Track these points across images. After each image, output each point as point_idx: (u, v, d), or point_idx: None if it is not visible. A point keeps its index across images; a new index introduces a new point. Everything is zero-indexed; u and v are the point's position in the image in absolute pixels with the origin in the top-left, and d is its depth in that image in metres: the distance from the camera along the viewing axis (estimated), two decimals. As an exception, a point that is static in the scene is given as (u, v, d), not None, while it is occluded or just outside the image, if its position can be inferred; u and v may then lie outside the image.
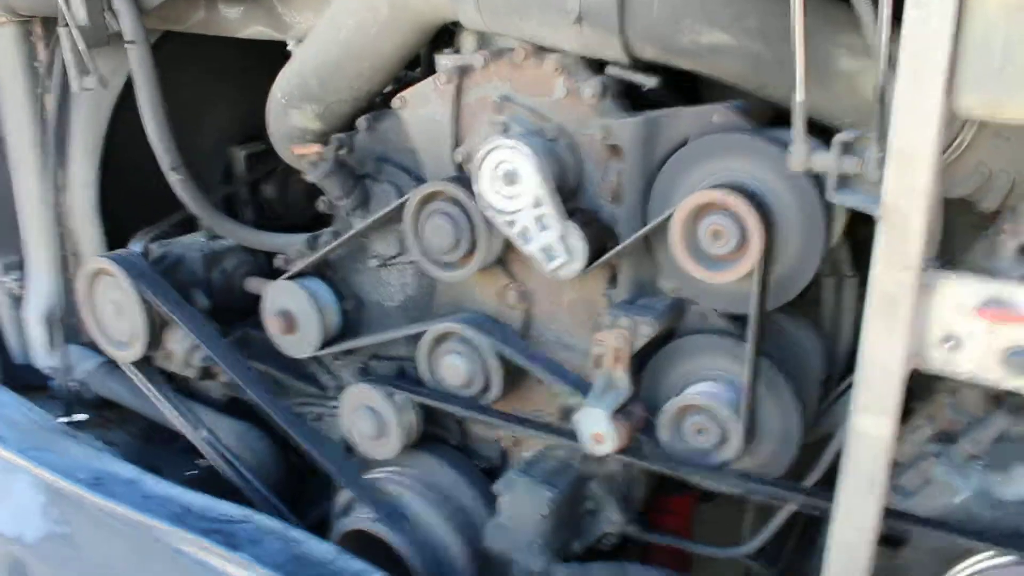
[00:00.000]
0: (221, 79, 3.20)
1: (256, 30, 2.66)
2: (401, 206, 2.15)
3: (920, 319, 1.50)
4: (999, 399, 1.84)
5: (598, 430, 1.86)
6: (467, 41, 2.20)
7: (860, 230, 2.10)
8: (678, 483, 2.11)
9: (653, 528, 2.26)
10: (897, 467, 1.90)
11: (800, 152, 1.55)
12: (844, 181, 1.54)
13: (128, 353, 2.69)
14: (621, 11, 1.82)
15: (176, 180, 2.63)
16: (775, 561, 2.24)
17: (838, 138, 1.52)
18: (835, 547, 1.66)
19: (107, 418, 3.24)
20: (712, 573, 2.68)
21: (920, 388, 1.99)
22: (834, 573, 1.66)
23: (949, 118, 1.38)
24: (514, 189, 1.92)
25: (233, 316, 2.79)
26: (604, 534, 2.23)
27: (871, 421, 1.55)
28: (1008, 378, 1.48)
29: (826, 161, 1.54)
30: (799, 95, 1.51)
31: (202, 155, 3.15)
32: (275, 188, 3.22)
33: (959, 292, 1.48)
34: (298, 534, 2.17)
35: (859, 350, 1.52)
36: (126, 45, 2.51)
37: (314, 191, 2.41)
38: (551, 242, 1.91)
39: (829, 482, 1.95)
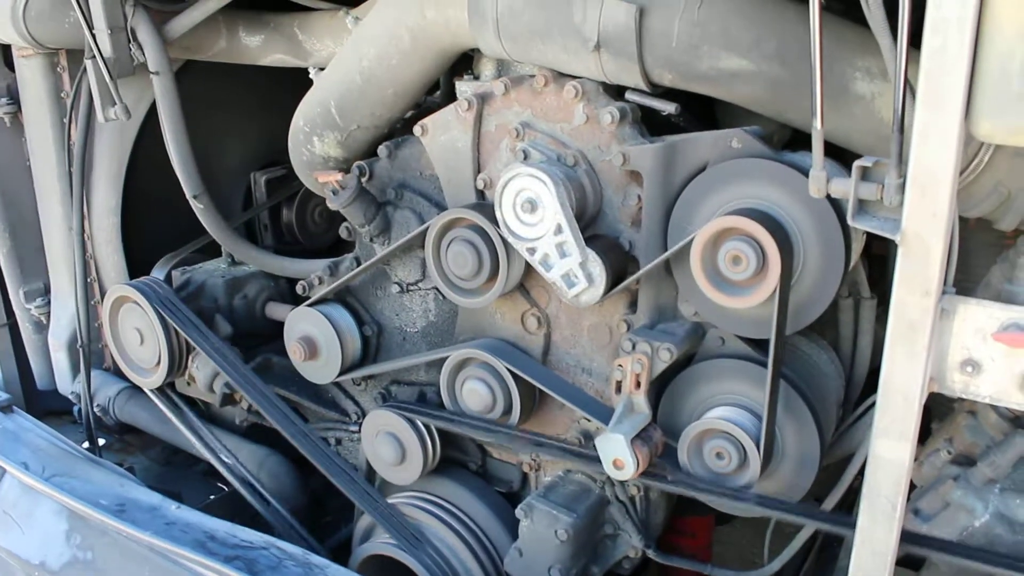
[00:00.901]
0: (241, 106, 3.24)
1: (276, 58, 2.71)
2: (423, 233, 2.17)
3: (940, 344, 1.50)
4: (1018, 421, 1.84)
5: (618, 455, 1.87)
6: (486, 68, 2.23)
7: (875, 248, 2.12)
8: (696, 505, 2.12)
9: (672, 550, 2.26)
10: (916, 490, 1.91)
11: (819, 178, 1.56)
12: (863, 206, 1.55)
13: (151, 379, 2.72)
14: (639, 38, 1.84)
15: (198, 207, 2.66)
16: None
17: (857, 164, 1.53)
18: (855, 572, 1.65)
19: (128, 443, 3.28)
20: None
21: (938, 409, 2.00)
22: (856, 597, 1.66)
23: (967, 142, 1.39)
24: (535, 216, 1.94)
25: (255, 341, 2.82)
26: (624, 558, 2.23)
27: (891, 445, 1.55)
28: (1029, 402, 1.49)
29: (845, 187, 1.54)
30: (817, 123, 1.53)
31: (223, 181, 3.20)
32: (294, 213, 3.24)
33: (978, 317, 1.49)
34: (318, 560, 2.19)
35: (880, 375, 1.52)
36: (151, 75, 2.56)
37: (333, 216, 2.43)
38: (572, 269, 1.93)
39: (847, 503, 1.97)
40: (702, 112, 2.21)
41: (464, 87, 2.20)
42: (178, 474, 3.17)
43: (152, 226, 3.09)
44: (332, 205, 2.28)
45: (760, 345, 1.92)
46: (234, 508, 2.74)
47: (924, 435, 2.00)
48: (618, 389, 1.95)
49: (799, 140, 1.99)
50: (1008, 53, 1.32)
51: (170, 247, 2.99)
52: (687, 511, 2.50)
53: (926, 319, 1.47)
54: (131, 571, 2.35)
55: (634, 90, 1.96)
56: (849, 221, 1.55)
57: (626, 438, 1.85)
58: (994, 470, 1.80)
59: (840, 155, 1.77)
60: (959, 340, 1.51)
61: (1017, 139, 1.39)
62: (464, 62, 2.26)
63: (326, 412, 2.65)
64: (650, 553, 2.18)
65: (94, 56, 2.49)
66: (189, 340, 2.58)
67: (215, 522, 2.36)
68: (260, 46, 2.73)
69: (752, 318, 1.85)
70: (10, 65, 3.02)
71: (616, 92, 2.01)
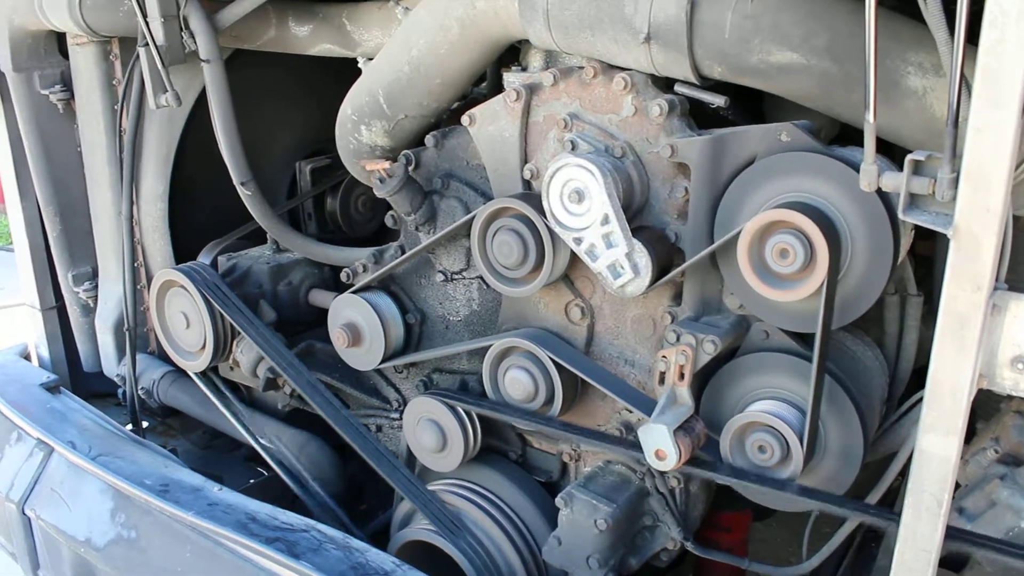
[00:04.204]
0: (288, 96, 3.28)
1: (325, 48, 2.74)
2: (468, 222, 2.19)
3: (990, 340, 1.50)
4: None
5: (661, 446, 1.87)
6: (534, 59, 2.24)
7: (919, 247, 2.11)
8: (734, 500, 2.12)
9: (708, 544, 2.26)
10: (960, 489, 1.90)
11: (871, 171, 1.55)
12: (914, 200, 1.55)
13: (196, 363, 2.76)
14: (690, 31, 1.85)
15: (246, 194, 2.69)
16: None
17: (910, 157, 1.53)
18: (898, 568, 1.65)
19: (170, 426, 3.33)
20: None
21: (985, 408, 1.99)
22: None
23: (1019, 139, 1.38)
24: (582, 207, 1.94)
25: (299, 328, 2.85)
26: (661, 550, 2.23)
27: (938, 441, 1.54)
28: (1079, 400, 1.48)
29: (896, 181, 1.54)
30: (870, 116, 1.52)
31: (269, 170, 3.24)
32: (338, 202, 3.27)
33: (1031, 313, 1.48)
34: (358, 544, 2.21)
35: (929, 369, 1.52)
36: (202, 63, 2.59)
37: (377, 205, 2.45)
38: (618, 259, 1.94)
39: (888, 501, 1.96)
40: (750, 106, 2.20)
41: (512, 78, 2.21)
42: (219, 458, 3.21)
43: (199, 213, 3.13)
44: (379, 193, 2.30)
45: (805, 340, 1.92)
46: (274, 492, 2.77)
47: (969, 435, 2.00)
48: (661, 380, 1.95)
49: (846, 136, 1.99)
50: (1066, 46, 1.31)
51: (216, 234, 3.03)
52: (724, 506, 2.50)
53: (976, 314, 1.46)
54: (173, 550, 2.39)
55: (683, 82, 1.96)
56: (900, 215, 1.55)
57: (669, 429, 1.86)
58: (1040, 469, 1.79)
59: (889, 151, 1.77)
60: (1010, 336, 1.50)
61: (1074, 134, 1.38)
62: (510, 54, 2.28)
63: (367, 399, 2.67)
64: (688, 546, 2.18)
65: (147, 44, 2.53)
66: (234, 324, 2.61)
67: (257, 504, 2.39)
68: (309, 36, 2.75)
69: (798, 312, 1.84)
70: (64, 53, 3.07)
71: (664, 84, 2.02)
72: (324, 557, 2.18)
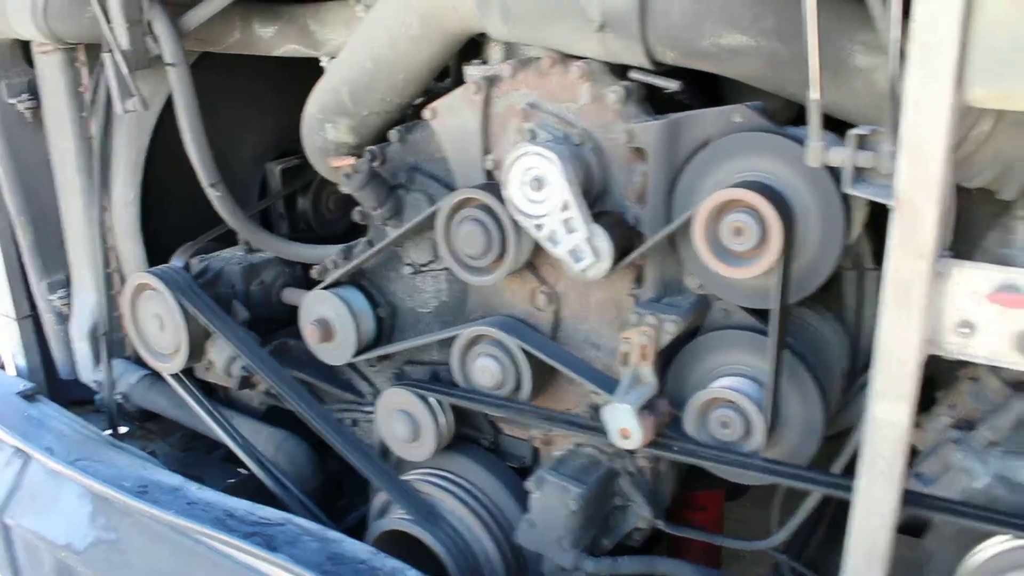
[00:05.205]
0: (256, 98, 3.30)
1: (290, 48, 2.77)
2: (433, 214, 2.22)
3: (935, 306, 1.54)
4: (1020, 386, 1.87)
5: (625, 425, 1.91)
6: (495, 52, 2.28)
7: (881, 223, 2.15)
8: (707, 479, 2.16)
9: (682, 523, 2.30)
10: (918, 455, 1.94)
11: (816, 147, 1.60)
12: (860, 174, 1.59)
13: (171, 364, 2.78)
14: (642, 17, 1.88)
15: (215, 196, 2.72)
16: (802, 554, 2.27)
17: (852, 132, 1.57)
18: (855, 533, 1.70)
19: (149, 430, 3.34)
20: (742, 568, 2.72)
21: (944, 378, 2.04)
22: (854, 558, 1.70)
23: (961, 110, 1.43)
24: (542, 194, 1.98)
25: (273, 326, 2.88)
26: (633, 529, 2.27)
27: (888, 407, 1.59)
28: (1023, 361, 1.52)
29: (842, 155, 1.59)
30: (813, 93, 1.57)
31: (239, 171, 3.27)
32: (309, 201, 3.31)
33: (972, 279, 1.53)
34: (335, 535, 2.25)
35: (875, 337, 1.57)
36: (167, 67, 2.61)
37: (347, 203, 2.48)
38: (578, 244, 1.97)
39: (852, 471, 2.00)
40: (709, 90, 2.24)
41: (472, 71, 2.25)
42: (198, 460, 3.23)
43: (172, 216, 3.15)
44: (345, 189, 2.34)
45: (764, 316, 1.96)
46: (253, 491, 2.78)
47: (931, 403, 2.04)
48: (625, 361, 1.99)
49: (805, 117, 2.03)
50: (997, 19, 1.35)
51: (189, 237, 3.06)
52: (697, 485, 2.55)
53: (920, 282, 1.51)
54: (153, 550, 2.41)
55: (638, 69, 2.00)
56: (845, 189, 1.60)
57: (632, 408, 1.90)
58: (994, 433, 1.84)
59: (841, 129, 1.81)
60: (954, 302, 1.54)
61: (1008, 103, 1.43)
62: (474, 48, 2.31)
63: (342, 394, 2.70)
64: (659, 524, 2.22)
65: (111, 50, 2.55)
66: (207, 325, 2.64)
67: (235, 501, 2.42)
68: (274, 37, 2.78)
69: (755, 289, 1.88)
70: (30, 61, 3.09)
71: (622, 72, 2.05)
72: (301, 548, 2.21)
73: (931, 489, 1.86)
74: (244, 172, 3.33)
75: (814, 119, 1.59)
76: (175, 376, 2.82)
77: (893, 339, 1.56)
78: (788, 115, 2.20)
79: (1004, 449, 1.85)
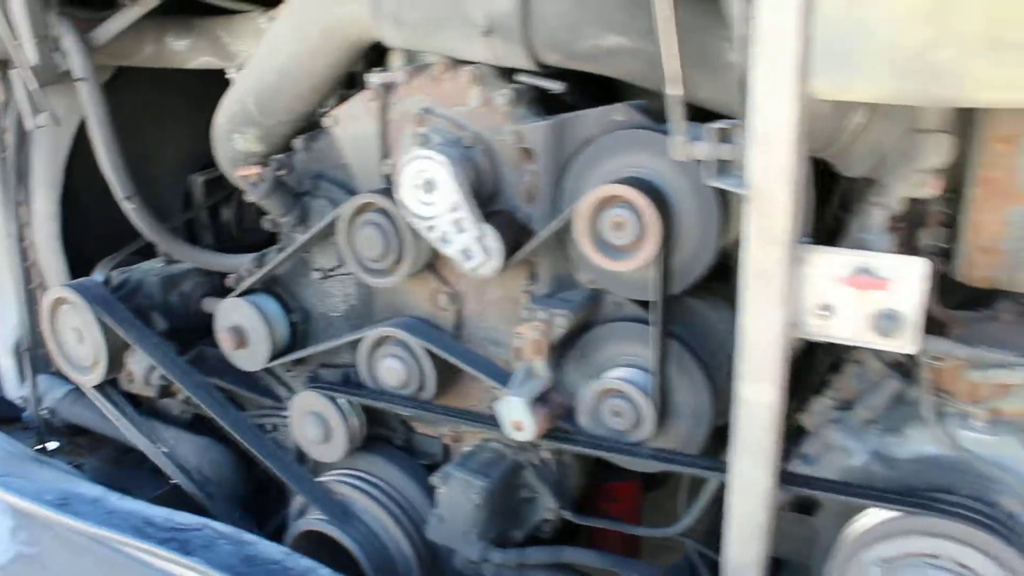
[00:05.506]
0: (177, 111, 3.32)
1: (204, 60, 2.80)
2: (335, 219, 2.26)
3: (795, 291, 1.60)
4: (899, 366, 1.94)
5: (518, 417, 1.97)
6: (396, 59, 2.32)
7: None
8: (621, 470, 2.21)
9: (598, 515, 2.35)
10: (806, 436, 2.01)
11: (679, 142, 1.66)
12: (724, 166, 1.65)
13: (91, 377, 2.80)
14: (524, 22, 1.94)
15: (130, 208, 2.74)
16: (711, 539, 2.33)
17: (712, 126, 1.63)
18: (733, 513, 1.76)
19: (79, 444, 3.35)
20: (667, 557, 2.75)
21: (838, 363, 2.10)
22: (734, 538, 1.76)
23: (806, 101, 1.49)
24: (433, 196, 2.03)
25: (193, 336, 2.91)
26: (543, 521, 2.32)
27: (756, 389, 1.65)
28: (879, 340, 1.59)
29: (704, 149, 1.65)
30: (672, 89, 1.63)
31: (163, 184, 3.29)
32: (233, 212, 3.34)
33: (830, 264, 1.59)
34: (250, 538, 2.27)
35: (738, 322, 1.63)
36: (76, 82, 2.63)
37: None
38: (469, 244, 2.03)
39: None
40: (605, 90, 2.30)
41: (372, 78, 2.30)
42: (128, 473, 3.23)
43: (95, 230, 3.16)
44: (250, 198, 2.38)
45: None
46: (180, 501, 2.81)
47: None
48: (519, 355, 2.04)
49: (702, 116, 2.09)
50: (834, 14, 1.42)
51: (114, 250, 3.08)
52: (612, 476, 2.60)
53: (776, 268, 1.57)
54: (74, 562, 2.43)
55: (524, 71, 2.06)
56: (707, 181, 1.65)
57: (524, 400, 1.95)
58: (870, 412, 1.91)
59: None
60: (813, 286, 1.61)
61: (848, 94, 1.49)
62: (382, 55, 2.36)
63: (261, 399, 2.73)
64: (566, 515, 2.27)
65: (18, 66, 2.57)
66: (125, 336, 2.66)
67: (154, 509, 2.44)
68: (188, 50, 2.81)
69: (640, 281, 1.94)
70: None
71: (511, 75, 2.10)
72: (216, 552, 2.23)
73: (814, 468, 1.92)
74: (167, 185, 3.35)
75: (675, 115, 1.65)
76: (97, 388, 2.84)
77: (755, 323, 1.62)
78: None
79: (883, 427, 1.91)
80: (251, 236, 3.38)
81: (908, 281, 1.56)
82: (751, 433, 1.69)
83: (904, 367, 1.94)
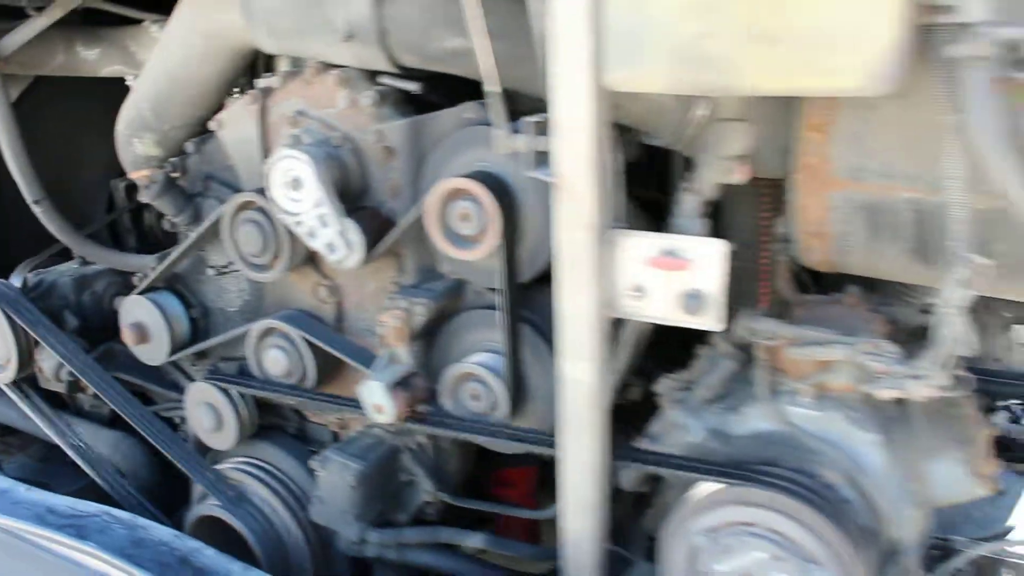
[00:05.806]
0: (99, 118, 3.41)
1: (115, 69, 2.90)
2: (219, 218, 2.37)
3: (607, 273, 1.71)
4: (745, 347, 2.04)
5: (378, 401, 2.08)
6: (281, 64, 2.43)
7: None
8: (515, 456, 2.30)
9: (496, 500, 2.45)
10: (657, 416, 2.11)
11: (500, 136, 1.77)
12: (542, 158, 1.75)
13: (4, 375, 2.90)
14: (379, 27, 2.05)
15: (40, 212, 2.85)
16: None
17: (528, 120, 1.74)
18: (567, 488, 1.86)
19: (9, 443, 3.45)
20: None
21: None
22: (568, 512, 1.87)
23: (602, 93, 1.60)
24: (300, 193, 2.14)
25: (107, 334, 3.00)
26: (425, 504, 2.42)
27: (575, 367, 1.76)
28: (687, 318, 1.70)
29: (523, 141, 1.75)
30: (491, 85, 1.74)
31: (87, 188, 3.39)
32: (154, 215, 3.43)
33: (639, 247, 1.70)
34: (144, 523, 2.37)
35: (554, 303, 1.74)
36: (-21, 90, 2.74)
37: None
38: (332, 238, 2.13)
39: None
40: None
41: (258, 83, 2.40)
42: (54, 469, 3.34)
43: (17, 232, 3.26)
44: (144, 199, 2.49)
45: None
46: (99, 493, 2.92)
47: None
48: (383, 342, 2.15)
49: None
50: (623, 9, 1.53)
51: (32, 253, 3.18)
52: (506, 462, 2.70)
53: (586, 252, 1.68)
54: (-23, 549, 2.54)
55: (386, 73, 2.17)
56: (527, 172, 1.76)
57: (384, 385, 2.06)
58: (708, 391, 2.01)
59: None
60: (625, 268, 1.72)
61: (639, 86, 1.59)
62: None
63: (168, 393, 2.83)
64: (444, 497, 2.37)
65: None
66: (33, 334, 2.77)
67: (58, 498, 2.54)
68: (98, 59, 2.91)
69: (493, 269, 2.05)
70: None
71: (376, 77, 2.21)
72: (109, 536, 2.34)
73: (657, 446, 2.02)
74: (91, 189, 3.45)
75: (496, 110, 1.76)
76: (11, 385, 2.94)
77: (571, 304, 1.73)
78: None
79: (725, 406, 2.01)
80: (175, 238, 3.48)
81: (709, 261, 1.67)
82: (575, 410, 1.80)
83: (748, 348, 2.05)
